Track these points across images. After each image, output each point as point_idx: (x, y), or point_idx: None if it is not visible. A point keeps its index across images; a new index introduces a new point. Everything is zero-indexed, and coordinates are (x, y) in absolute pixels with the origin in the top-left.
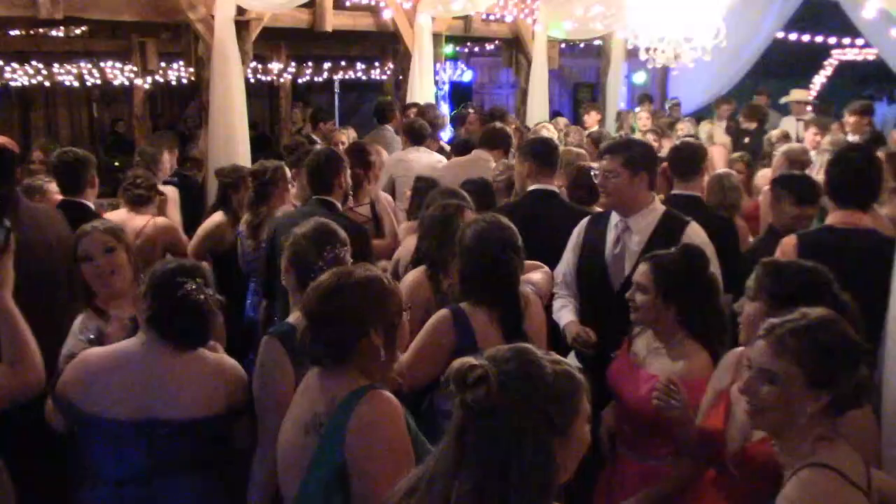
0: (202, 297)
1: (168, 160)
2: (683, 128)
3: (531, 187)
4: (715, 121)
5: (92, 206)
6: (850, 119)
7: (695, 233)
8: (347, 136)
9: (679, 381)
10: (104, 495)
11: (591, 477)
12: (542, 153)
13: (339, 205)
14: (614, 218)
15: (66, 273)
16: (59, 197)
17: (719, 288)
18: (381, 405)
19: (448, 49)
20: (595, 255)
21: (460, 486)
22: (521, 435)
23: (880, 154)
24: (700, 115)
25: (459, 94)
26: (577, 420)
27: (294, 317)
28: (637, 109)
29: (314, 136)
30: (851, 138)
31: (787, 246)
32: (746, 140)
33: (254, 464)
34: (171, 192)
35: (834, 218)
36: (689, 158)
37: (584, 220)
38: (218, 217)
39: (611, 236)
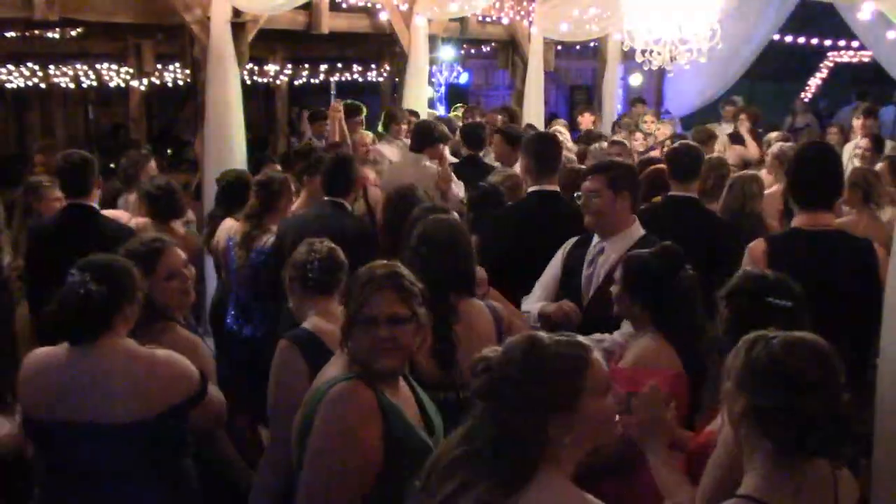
0: (82, 290)
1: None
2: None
3: (530, 189)
4: (722, 123)
5: (98, 207)
6: (855, 122)
7: None
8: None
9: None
10: (50, 494)
11: None
12: (539, 152)
13: (349, 207)
14: (595, 239)
15: None
16: (59, 203)
17: (695, 291)
18: (345, 396)
19: (446, 50)
20: (573, 276)
21: (455, 452)
22: (517, 412)
23: (881, 164)
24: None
25: (455, 96)
26: (584, 395)
27: (309, 322)
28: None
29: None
30: (860, 141)
31: (756, 251)
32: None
33: (264, 467)
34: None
35: (800, 220)
36: (689, 160)
37: (570, 241)
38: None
39: (588, 258)
